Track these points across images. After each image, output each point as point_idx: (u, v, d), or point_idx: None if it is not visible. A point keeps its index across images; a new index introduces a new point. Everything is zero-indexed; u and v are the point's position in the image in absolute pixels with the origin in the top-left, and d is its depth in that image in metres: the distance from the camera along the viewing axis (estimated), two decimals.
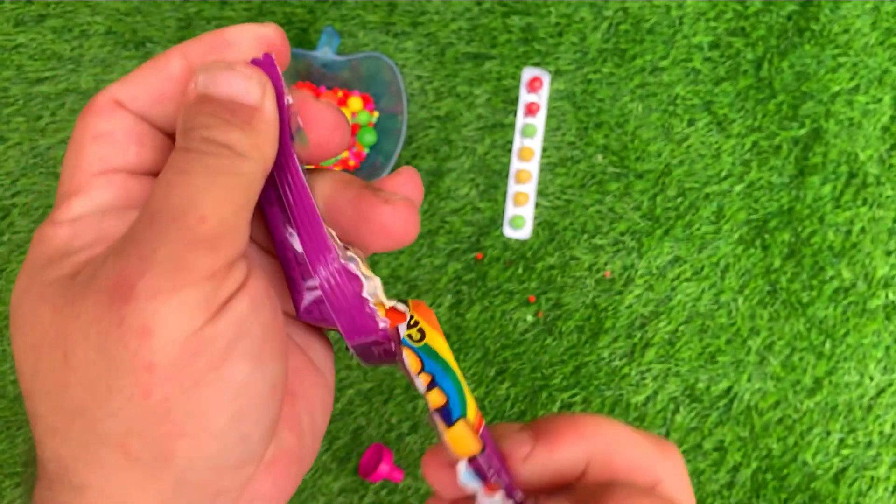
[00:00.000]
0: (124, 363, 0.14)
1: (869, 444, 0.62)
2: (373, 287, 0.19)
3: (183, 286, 0.15)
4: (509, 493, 0.18)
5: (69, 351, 0.15)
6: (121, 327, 0.14)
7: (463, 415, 0.18)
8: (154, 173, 0.18)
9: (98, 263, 0.15)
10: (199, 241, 0.15)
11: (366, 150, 0.63)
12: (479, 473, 0.17)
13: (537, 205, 0.64)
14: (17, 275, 0.17)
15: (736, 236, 0.64)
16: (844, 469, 0.63)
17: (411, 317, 0.19)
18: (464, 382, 0.18)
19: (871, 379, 0.63)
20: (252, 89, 0.17)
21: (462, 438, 0.17)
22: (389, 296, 0.62)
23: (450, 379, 0.18)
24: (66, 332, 0.15)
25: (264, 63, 0.18)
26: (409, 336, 0.19)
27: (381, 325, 0.19)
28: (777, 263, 0.64)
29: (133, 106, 0.18)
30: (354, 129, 0.62)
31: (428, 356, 0.19)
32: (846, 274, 0.64)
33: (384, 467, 0.60)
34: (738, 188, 0.64)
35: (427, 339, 0.19)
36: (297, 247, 0.18)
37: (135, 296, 0.14)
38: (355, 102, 0.62)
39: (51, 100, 0.62)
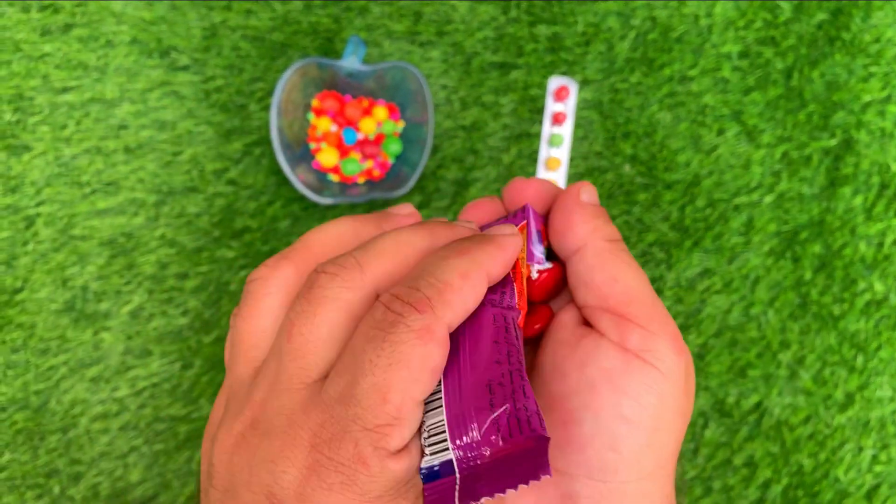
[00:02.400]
0: None
1: None
2: None
3: None
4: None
5: None
6: None
7: None
8: None
9: None
10: None
11: (391, 160, 0.62)
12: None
13: None
14: (327, 480, 0.18)
15: (766, 248, 0.63)
16: (877, 486, 0.61)
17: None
18: None
19: None
20: None
21: None
22: None
23: None
24: None
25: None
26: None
27: None
28: (808, 276, 0.63)
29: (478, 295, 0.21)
30: (379, 139, 0.62)
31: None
32: (878, 286, 0.63)
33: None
34: (768, 199, 0.63)
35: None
36: None
37: None
38: (381, 112, 0.61)
39: (76, 109, 0.61)
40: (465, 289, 0.20)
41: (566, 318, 0.24)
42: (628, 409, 0.20)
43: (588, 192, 0.24)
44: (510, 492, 0.17)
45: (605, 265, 0.23)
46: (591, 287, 0.23)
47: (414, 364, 0.18)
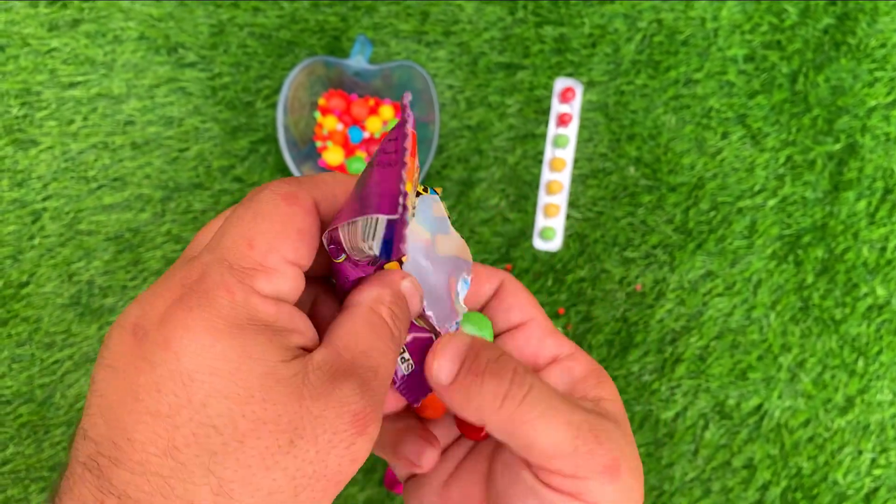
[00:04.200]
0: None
1: None
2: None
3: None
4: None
5: (296, 438, 0.18)
6: (349, 449, 0.19)
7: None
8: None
9: (326, 374, 0.19)
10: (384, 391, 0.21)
11: None
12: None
13: (568, 216, 0.63)
14: (188, 303, 0.18)
15: (769, 251, 0.63)
16: (876, 489, 0.62)
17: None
18: None
19: None
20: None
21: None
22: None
23: None
24: (300, 420, 0.18)
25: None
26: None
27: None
28: (810, 279, 0.63)
29: (321, 216, 0.21)
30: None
31: None
32: (880, 291, 0.63)
33: None
34: (771, 203, 0.64)
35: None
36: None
37: (368, 434, 0.19)
38: (387, 111, 0.61)
39: (83, 104, 0.62)
40: (336, 178, 0.22)
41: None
42: None
43: (442, 372, 0.22)
44: None
45: (513, 434, 0.21)
46: (512, 450, 0.22)
47: (277, 219, 0.19)
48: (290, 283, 0.20)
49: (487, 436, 0.25)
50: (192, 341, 0.17)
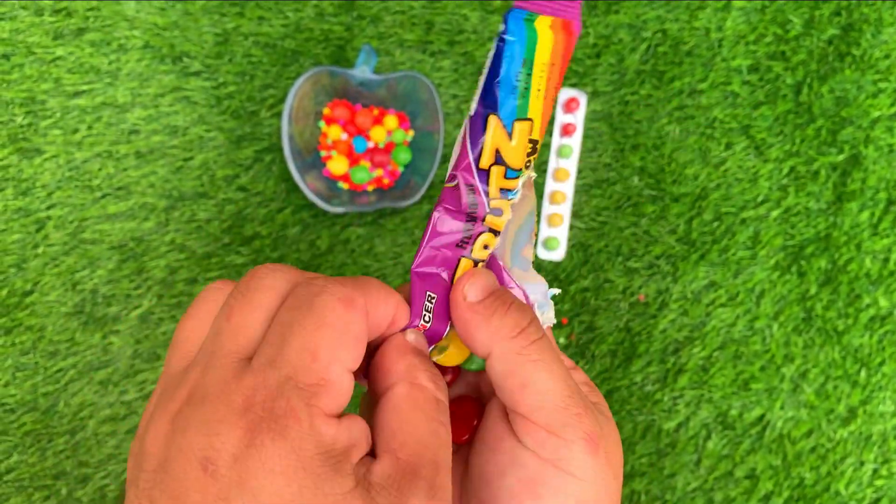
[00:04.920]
0: None
1: None
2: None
3: None
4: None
5: None
6: None
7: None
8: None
9: (392, 492, 0.19)
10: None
11: (400, 169, 0.62)
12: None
13: (572, 226, 0.63)
14: (260, 438, 0.18)
15: (772, 262, 0.63)
16: (878, 500, 0.62)
17: None
18: None
19: None
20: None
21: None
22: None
23: None
24: None
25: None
26: None
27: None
28: (813, 290, 0.63)
29: (370, 321, 0.21)
30: (389, 148, 0.62)
31: None
32: (883, 302, 0.63)
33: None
34: (774, 213, 0.64)
35: None
36: None
37: None
38: (391, 121, 0.61)
39: (87, 113, 0.62)
40: (383, 289, 0.22)
41: (491, 416, 0.23)
42: None
43: (473, 291, 0.23)
44: None
45: (514, 371, 0.22)
46: (504, 393, 0.22)
47: (339, 327, 0.19)
48: (348, 392, 0.19)
49: (468, 440, 0.25)
50: (268, 481, 0.17)
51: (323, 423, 0.18)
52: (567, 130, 0.63)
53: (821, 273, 0.63)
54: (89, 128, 0.62)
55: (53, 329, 0.61)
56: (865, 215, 0.64)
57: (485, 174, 0.23)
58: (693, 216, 0.63)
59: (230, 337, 0.20)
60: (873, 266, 0.63)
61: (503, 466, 0.22)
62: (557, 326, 0.62)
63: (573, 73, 0.64)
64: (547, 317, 0.25)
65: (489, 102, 0.22)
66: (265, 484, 0.17)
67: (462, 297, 0.23)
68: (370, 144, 0.62)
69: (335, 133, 0.60)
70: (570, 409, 0.21)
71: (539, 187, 0.63)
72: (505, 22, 0.22)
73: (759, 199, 0.64)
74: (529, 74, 0.22)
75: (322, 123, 0.61)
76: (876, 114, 0.64)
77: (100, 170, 0.61)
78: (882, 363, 0.63)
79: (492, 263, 0.25)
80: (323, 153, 0.61)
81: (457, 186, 0.23)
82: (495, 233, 0.24)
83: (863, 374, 0.63)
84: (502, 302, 0.23)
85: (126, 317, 0.61)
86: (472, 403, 0.26)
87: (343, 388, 0.19)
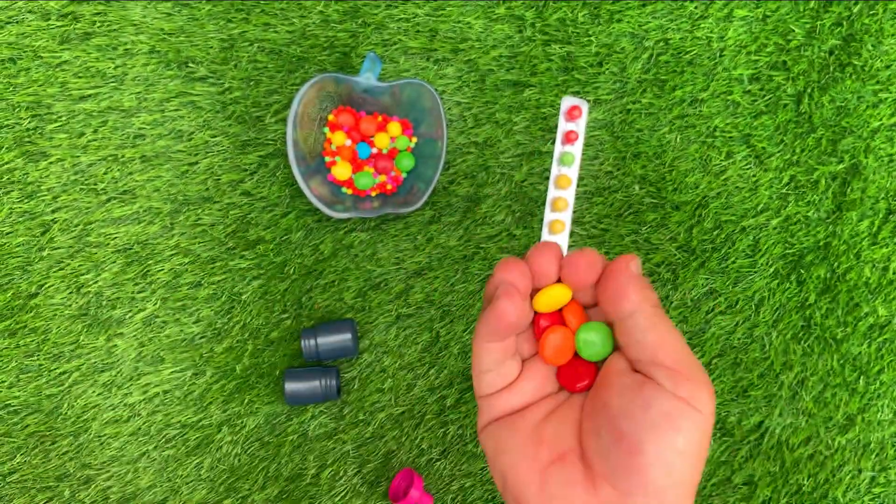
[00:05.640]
0: None
1: None
2: None
3: None
4: None
5: None
6: None
7: None
8: None
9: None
10: None
11: (403, 175, 0.63)
12: None
13: (573, 233, 0.64)
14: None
15: (771, 270, 0.64)
16: None
17: None
18: None
19: None
20: None
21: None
22: (422, 321, 0.62)
23: None
24: None
25: None
26: None
27: None
28: (812, 299, 0.64)
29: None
30: (393, 154, 0.63)
31: None
32: (882, 311, 0.64)
33: (414, 493, 0.60)
34: (774, 222, 0.64)
35: None
36: None
37: None
38: (394, 127, 0.62)
39: (93, 117, 0.62)
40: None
41: (620, 367, 0.30)
42: (682, 443, 0.26)
43: (636, 265, 0.30)
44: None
45: (656, 328, 0.28)
46: (644, 346, 0.28)
47: None
48: None
49: (586, 387, 0.31)
50: None
51: None
52: (569, 138, 0.63)
53: (820, 281, 0.64)
54: (95, 132, 0.62)
55: (58, 331, 0.61)
56: (865, 225, 0.64)
57: None
58: (693, 224, 0.64)
59: None
60: (872, 275, 0.64)
61: (646, 403, 0.27)
62: None
63: (575, 82, 0.64)
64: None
65: None
66: None
67: (627, 266, 0.29)
68: (374, 150, 0.62)
69: (339, 139, 0.61)
70: (696, 361, 0.28)
71: (541, 194, 0.64)
72: None
73: (759, 207, 0.64)
74: None
75: (327, 129, 0.62)
76: (876, 124, 0.65)
77: (105, 173, 0.62)
78: (881, 371, 0.63)
79: None
80: (327, 159, 0.62)
81: None
82: None
83: (861, 382, 0.63)
84: (650, 282, 0.31)
85: (130, 320, 0.61)
86: (583, 360, 0.32)
87: None
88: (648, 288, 0.29)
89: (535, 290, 0.32)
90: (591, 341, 0.31)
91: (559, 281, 0.32)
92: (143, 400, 0.61)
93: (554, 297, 0.31)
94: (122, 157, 0.62)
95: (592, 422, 0.29)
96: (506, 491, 0.30)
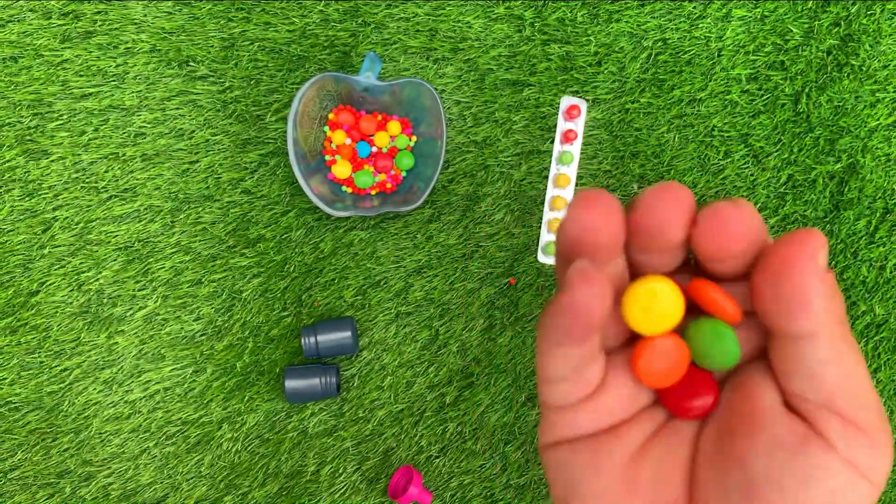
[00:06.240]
0: None
1: None
2: None
3: None
4: None
5: None
6: None
7: None
8: None
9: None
10: None
11: (403, 174, 0.63)
12: None
13: None
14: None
15: None
16: None
17: None
18: None
19: None
20: None
21: None
22: (422, 319, 0.63)
23: None
24: None
25: None
26: None
27: None
28: None
29: None
30: (392, 153, 0.63)
31: None
32: (878, 310, 0.64)
33: (413, 489, 0.60)
34: (772, 221, 0.64)
35: None
36: None
37: None
38: (394, 126, 0.62)
39: (94, 115, 0.62)
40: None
41: (768, 403, 0.19)
42: None
43: (825, 254, 0.18)
44: None
45: (841, 360, 0.18)
46: (819, 382, 0.19)
47: None
48: None
49: (704, 413, 0.20)
50: None
51: None
52: (568, 137, 0.64)
53: None
54: (96, 130, 0.62)
55: (59, 329, 0.61)
56: (862, 224, 0.65)
57: None
58: None
59: None
60: (869, 274, 0.64)
61: (808, 475, 0.18)
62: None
63: (574, 81, 0.65)
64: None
65: None
66: None
67: (811, 255, 0.18)
68: (374, 149, 0.62)
69: (339, 138, 0.61)
70: (882, 412, 0.19)
71: (540, 193, 0.64)
72: None
73: (757, 206, 0.65)
74: None
75: (327, 128, 0.62)
76: (873, 123, 0.65)
77: (106, 172, 0.62)
78: (878, 370, 0.64)
79: None
80: (327, 157, 0.62)
81: None
82: None
83: None
84: (836, 280, 0.18)
85: (131, 317, 0.62)
86: (699, 369, 0.21)
87: None
88: (837, 295, 0.19)
89: (635, 265, 0.21)
90: (724, 344, 0.19)
91: (679, 268, 0.21)
92: (144, 397, 0.61)
93: (663, 308, 0.19)
94: (123, 155, 0.62)
95: (716, 473, 0.20)
96: None
